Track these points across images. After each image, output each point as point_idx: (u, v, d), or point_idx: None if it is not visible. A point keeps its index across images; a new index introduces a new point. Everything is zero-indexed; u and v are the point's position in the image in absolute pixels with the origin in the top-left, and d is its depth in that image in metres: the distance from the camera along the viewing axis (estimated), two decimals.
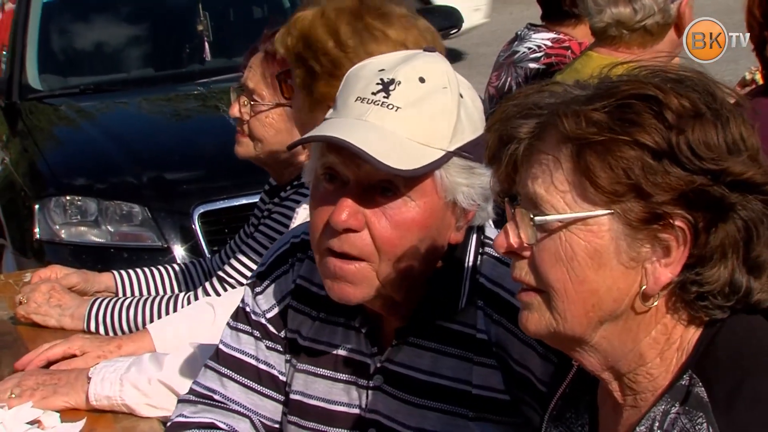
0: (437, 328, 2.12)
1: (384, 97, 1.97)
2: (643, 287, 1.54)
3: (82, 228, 5.61)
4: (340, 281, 2.02)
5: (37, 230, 5.60)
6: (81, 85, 6.96)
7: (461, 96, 2.03)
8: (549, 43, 4.34)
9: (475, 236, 2.14)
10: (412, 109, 1.97)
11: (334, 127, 1.99)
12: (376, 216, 1.98)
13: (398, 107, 1.96)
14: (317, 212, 2.04)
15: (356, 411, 2.20)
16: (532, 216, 1.57)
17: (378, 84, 1.99)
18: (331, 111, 2.08)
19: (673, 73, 1.59)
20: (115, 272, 3.56)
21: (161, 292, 3.50)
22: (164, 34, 7.53)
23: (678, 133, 1.50)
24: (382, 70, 2.01)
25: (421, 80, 1.99)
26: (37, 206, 5.65)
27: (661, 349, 1.58)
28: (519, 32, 4.55)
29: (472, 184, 2.03)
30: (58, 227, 5.58)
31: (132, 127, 6.50)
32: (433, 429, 2.11)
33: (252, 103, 3.20)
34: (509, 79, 4.40)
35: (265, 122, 3.19)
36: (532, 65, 4.32)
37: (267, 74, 3.18)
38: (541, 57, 4.33)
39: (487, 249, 2.14)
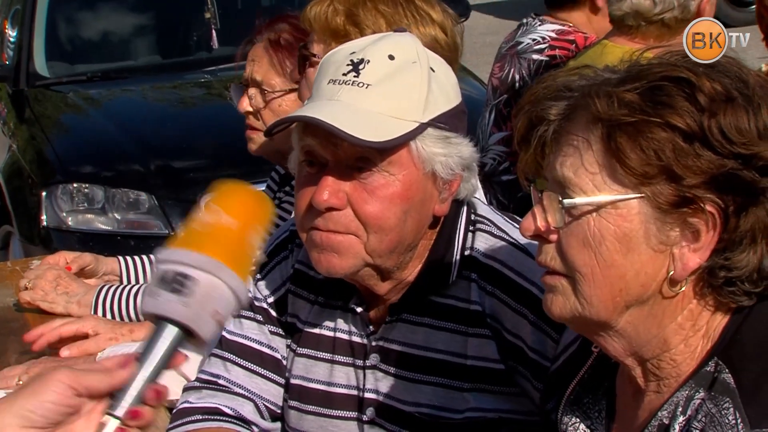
0: (430, 304, 2.15)
1: (354, 76, 2.01)
2: (671, 272, 1.53)
3: (89, 215, 5.62)
4: (327, 252, 2.05)
5: (44, 217, 5.62)
6: (88, 73, 6.97)
7: (432, 70, 2.06)
8: (554, 35, 4.32)
9: (465, 213, 2.18)
10: (382, 85, 2.00)
11: (307, 109, 2.03)
12: (358, 192, 2.02)
13: (368, 84, 2.00)
14: (300, 195, 2.07)
15: (355, 392, 2.23)
16: (560, 199, 1.56)
17: (348, 65, 2.02)
18: (307, 99, 2.12)
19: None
20: (121, 258, 3.57)
21: None
22: (171, 21, 7.53)
23: (710, 116, 1.49)
24: (353, 52, 2.04)
25: (391, 57, 2.02)
26: (44, 193, 5.66)
27: (686, 335, 1.57)
28: (524, 21, 4.53)
29: (449, 153, 2.06)
30: (65, 215, 5.59)
31: (139, 114, 6.50)
32: (429, 403, 2.14)
33: (264, 93, 3.18)
34: (513, 70, 4.38)
35: (279, 111, 3.18)
36: (536, 57, 4.31)
37: (275, 61, 3.17)
38: (545, 49, 4.31)
39: (479, 225, 2.17)
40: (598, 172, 1.54)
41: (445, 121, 2.05)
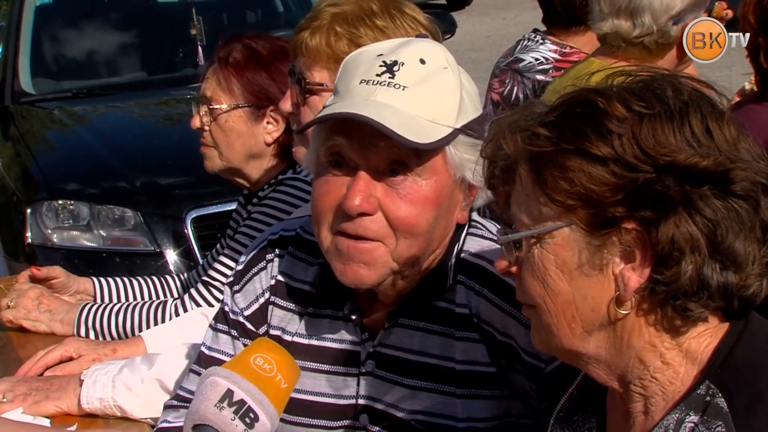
0: (426, 307, 2.14)
1: (389, 77, 1.99)
2: (617, 293, 1.54)
3: (74, 232, 5.59)
4: (353, 262, 2.03)
5: (29, 234, 5.59)
6: (74, 89, 6.96)
7: (460, 78, 2.06)
8: (557, 56, 4.33)
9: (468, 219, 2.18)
10: (419, 88, 2.00)
11: (343, 107, 2.00)
12: (390, 197, 2.00)
13: (405, 86, 1.99)
14: (324, 196, 2.04)
15: (346, 401, 2.21)
16: (498, 236, 1.61)
17: (381, 66, 2.01)
18: (331, 97, 2.09)
19: (643, 75, 1.60)
20: (94, 279, 3.56)
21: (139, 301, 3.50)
22: (157, 38, 7.52)
23: (621, 137, 1.50)
24: (381, 54, 2.03)
25: (422, 61, 2.02)
26: (29, 210, 5.63)
27: (660, 352, 1.57)
28: (526, 37, 4.51)
29: (479, 160, 2.04)
30: (50, 232, 5.57)
31: (125, 131, 6.49)
32: (424, 410, 2.13)
33: (211, 109, 3.24)
34: (516, 88, 4.38)
35: (225, 127, 3.24)
36: (540, 77, 4.31)
37: (221, 79, 3.24)
38: (549, 69, 4.32)
39: (471, 229, 2.17)
40: (530, 205, 1.57)
41: (474, 129, 2.06)
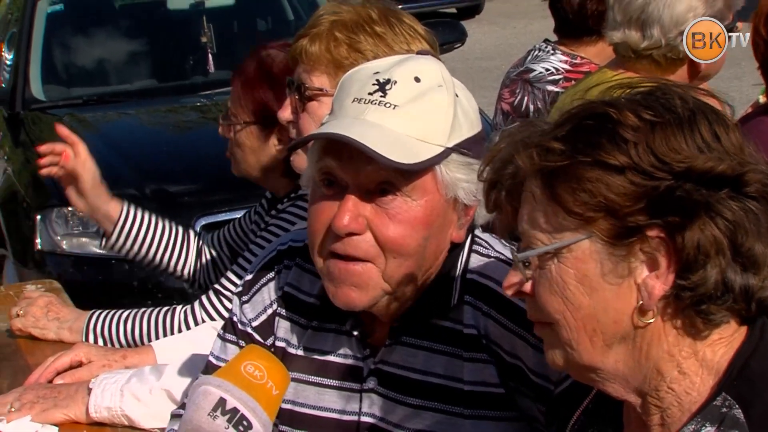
0: (430, 326, 2.13)
1: (381, 96, 1.99)
2: (640, 303, 1.53)
3: (84, 239, 5.61)
4: (344, 285, 2.02)
5: (38, 241, 5.60)
6: (84, 96, 6.98)
7: (456, 95, 2.05)
8: (568, 67, 4.33)
9: (469, 236, 2.16)
10: (410, 107, 1.99)
11: (333, 127, 2.00)
12: (379, 217, 1.99)
13: (396, 105, 1.98)
14: (316, 217, 2.04)
15: (349, 417, 2.19)
16: (516, 253, 1.61)
17: (374, 84, 2.01)
18: (327, 116, 2.09)
19: (644, 86, 1.61)
20: (124, 207, 3.60)
21: (156, 244, 3.59)
22: (168, 45, 7.54)
23: (636, 145, 1.51)
24: (377, 72, 2.03)
25: (417, 79, 2.01)
26: (38, 217, 5.65)
27: (678, 362, 1.56)
28: (537, 47, 4.51)
29: (471, 179, 2.03)
30: (59, 238, 5.58)
31: (134, 138, 6.50)
32: (428, 429, 2.11)
33: (229, 123, 3.27)
34: (526, 98, 4.37)
35: (238, 141, 3.28)
36: (550, 88, 4.31)
37: (239, 94, 3.25)
38: (560, 80, 4.31)
39: (475, 247, 2.15)
40: (545, 221, 1.57)
41: (468, 147, 2.04)
